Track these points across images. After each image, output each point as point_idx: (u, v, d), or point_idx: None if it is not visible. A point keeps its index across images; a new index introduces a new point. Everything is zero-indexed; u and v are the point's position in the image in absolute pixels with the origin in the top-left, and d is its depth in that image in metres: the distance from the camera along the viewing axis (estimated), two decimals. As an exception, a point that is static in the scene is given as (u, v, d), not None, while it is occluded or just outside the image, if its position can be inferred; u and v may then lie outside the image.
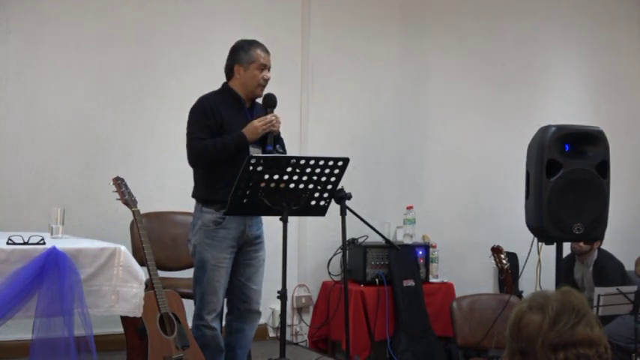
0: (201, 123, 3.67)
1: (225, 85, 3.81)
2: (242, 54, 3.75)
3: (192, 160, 3.69)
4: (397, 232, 5.48)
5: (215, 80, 3.86)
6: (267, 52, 3.79)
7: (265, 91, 3.79)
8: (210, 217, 3.69)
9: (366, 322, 4.98)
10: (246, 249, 3.76)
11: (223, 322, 3.88)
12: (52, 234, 3.51)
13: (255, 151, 3.66)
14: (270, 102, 3.76)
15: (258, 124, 3.64)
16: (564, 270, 4.67)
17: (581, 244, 5.12)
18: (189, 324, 3.70)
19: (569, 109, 6.19)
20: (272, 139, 3.69)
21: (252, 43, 3.78)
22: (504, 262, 4.37)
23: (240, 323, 3.83)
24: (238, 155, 3.59)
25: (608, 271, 5.17)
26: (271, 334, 5.25)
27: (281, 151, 3.80)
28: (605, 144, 4.23)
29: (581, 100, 6.42)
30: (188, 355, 3.50)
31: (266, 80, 3.76)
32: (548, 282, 4.34)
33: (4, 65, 4.55)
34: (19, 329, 3.81)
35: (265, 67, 3.76)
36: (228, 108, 3.72)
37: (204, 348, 3.65)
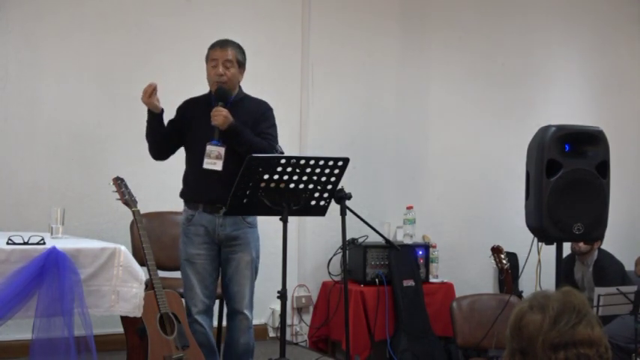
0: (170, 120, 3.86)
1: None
2: (206, 56, 3.81)
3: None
4: (397, 232, 5.48)
5: (215, 80, 3.86)
6: (220, 47, 3.72)
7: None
8: (185, 215, 3.81)
9: (366, 322, 4.98)
10: (224, 249, 3.77)
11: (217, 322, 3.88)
12: (52, 234, 3.52)
13: (210, 148, 3.62)
14: (218, 95, 3.69)
15: (142, 97, 3.70)
16: (564, 270, 4.67)
17: (581, 244, 5.12)
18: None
19: (569, 109, 6.18)
20: (218, 132, 3.62)
21: (212, 44, 3.79)
22: (504, 262, 4.37)
23: (229, 322, 3.85)
24: (192, 152, 3.73)
25: (608, 271, 5.17)
26: (271, 334, 5.25)
27: (281, 150, 3.80)
28: (605, 144, 4.22)
29: (581, 100, 6.42)
30: (188, 355, 3.50)
31: (219, 75, 3.68)
32: (548, 282, 4.34)
33: (4, 65, 4.54)
34: (19, 329, 3.82)
35: (216, 62, 3.70)
36: (198, 109, 3.77)
37: (200, 346, 3.65)
